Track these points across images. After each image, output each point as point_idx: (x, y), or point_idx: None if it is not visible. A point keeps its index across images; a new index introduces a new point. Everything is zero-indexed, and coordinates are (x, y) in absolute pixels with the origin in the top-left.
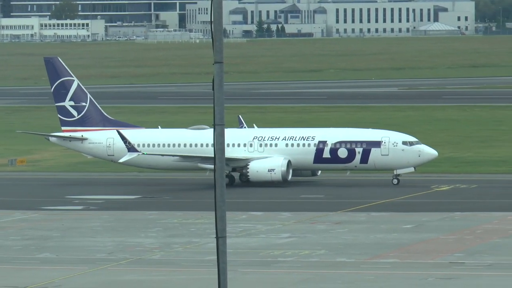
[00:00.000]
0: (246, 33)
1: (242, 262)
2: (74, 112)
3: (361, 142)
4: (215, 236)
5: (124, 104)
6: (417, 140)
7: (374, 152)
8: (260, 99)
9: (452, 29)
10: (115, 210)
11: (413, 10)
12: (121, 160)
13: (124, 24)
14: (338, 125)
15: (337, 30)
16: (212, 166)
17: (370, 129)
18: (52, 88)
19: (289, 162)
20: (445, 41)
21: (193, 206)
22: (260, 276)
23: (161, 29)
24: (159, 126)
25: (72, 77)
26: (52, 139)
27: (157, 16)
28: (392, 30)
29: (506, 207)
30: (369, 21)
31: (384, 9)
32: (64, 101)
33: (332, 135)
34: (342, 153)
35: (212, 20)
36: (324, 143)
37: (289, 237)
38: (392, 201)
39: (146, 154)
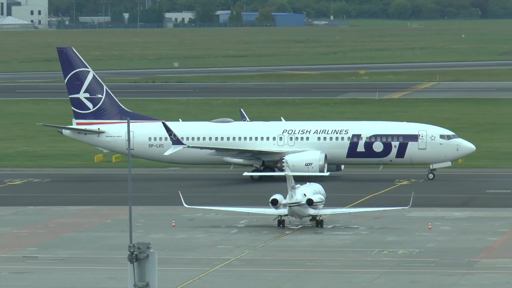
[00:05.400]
0: None
1: None
2: (89, 104)
3: (398, 136)
4: None
5: None
6: (454, 134)
7: (411, 146)
8: None
9: (26, 23)
10: None
11: None
12: (166, 153)
13: None
14: None
15: None
16: (238, 160)
17: (405, 122)
18: (66, 80)
19: (325, 156)
20: (18, 35)
21: None
22: None
23: None
24: (180, 119)
25: (87, 68)
26: (65, 132)
27: None
28: None
29: (80, 201)
30: None
31: None
32: (78, 93)
33: (366, 128)
34: (378, 147)
35: None
36: (358, 136)
37: None
38: None
39: (191, 147)
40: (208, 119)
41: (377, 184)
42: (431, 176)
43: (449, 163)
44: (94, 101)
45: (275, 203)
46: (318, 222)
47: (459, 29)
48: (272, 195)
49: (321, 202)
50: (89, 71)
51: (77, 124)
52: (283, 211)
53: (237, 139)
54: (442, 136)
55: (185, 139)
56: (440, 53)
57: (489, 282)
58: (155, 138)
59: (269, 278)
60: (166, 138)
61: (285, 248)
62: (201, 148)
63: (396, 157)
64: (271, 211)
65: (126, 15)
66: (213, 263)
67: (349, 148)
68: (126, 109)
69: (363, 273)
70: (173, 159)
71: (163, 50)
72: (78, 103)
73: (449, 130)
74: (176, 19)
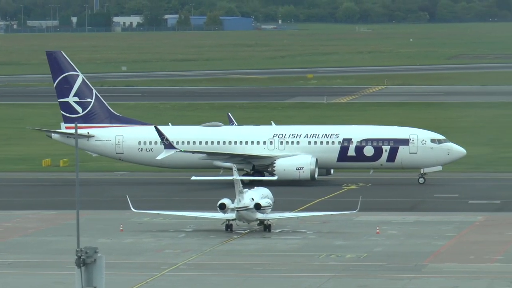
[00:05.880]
0: None
1: None
2: (79, 108)
3: (388, 140)
4: None
5: None
6: (445, 138)
7: (402, 150)
8: None
9: None
10: None
11: None
12: (158, 157)
13: None
14: None
15: None
16: (228, 164)
17: (395, 127)
18: (55, 83)
19: (316, 160)
20: None
21: None
22: None
23: None
24: (169, 123)
25: (77, 71)
26: (54, 136)
27: None
28: None
29: (26, 205)
30: None
31: None
32: (67, 96)
33: (357, 132)
34: (368, 151)
35: None
36: (349, 140)
37: None
38: None
39: (184, 151)
40: (156, 123)
41: (325, 189)
42: (421, 180)
43: (440, 168)
44: (83, 105)
45: (223, 207)
46: (266, 227)
47: (407, 33)
48: (220, 200)
49: (269, 206)
50: (78, 75)
51: (66, 128)
52: (231, 215)
53: (227, 143)
54: (433, 140)
55: (175, 143)
56: (388, 57)
57: (436, 286)
58: (144, 142)
59: (217, 283)
60: (156, 142)
61: (233, 252)
62: (193, 152)
63: (387, 161)
64: (219, 215)
65: (74, 19)
66: (161, 267)
67: (340, 153)
68: (116, 113)
69: (311, 277)
70: (163, 163)
71: (111, 54)
72: (67, 107)
73: (440, 134)
74: (124, 23)
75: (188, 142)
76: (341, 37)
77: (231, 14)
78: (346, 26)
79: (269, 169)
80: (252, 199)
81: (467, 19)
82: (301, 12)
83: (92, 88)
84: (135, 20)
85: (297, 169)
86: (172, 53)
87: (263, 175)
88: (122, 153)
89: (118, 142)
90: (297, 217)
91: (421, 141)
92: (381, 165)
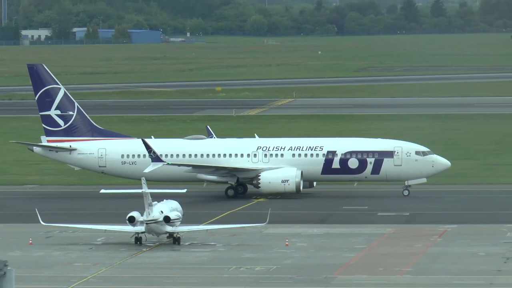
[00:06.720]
0: None
1: None
2: (61, 122)
3: (373, 152)
4: None
5: None
6: (429, 150)
7: (387, 162)
8: None
9: None
10: None
11: None
12: (145, 170)
13: None
14: None
15: None
16: (212, 177)
17: (380, 139)
18: (37, 97)
19: (301, 173)
20: None
21: None
22: None
23: None
24: (152, 136)
25: (58, 85)
26: (36, 149)
27: None
28: None
29: None
30: None
31: None
32: (49, 110)
33: (341, 144)
34: (353, 163)
35: None
36: (333, 153)
37: None
38: None
39: (171, 164)
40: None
41: (235, 201)
42: (406, 192)
43: (424, 180)
44: (65, 118)
45: (132, 220)
46: (175, 239)
47: (316, 46)
48: (129, 212)
49: (178, 219)
50: (60, 88)
51: (48, 141)
52: (140, 228)
53: (211, 156)
54: (417, 153)
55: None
56: (296, 70)
57: None
58: (128, 156)
59: None
60: (139, 156)
61: (143, 265)
62: (179, 165)
63: (371, 173)
64: (128, 228)
65: None
66: (70, 280)
67: (324, 165)
68: (98, 126)
69: None
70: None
71: (20, 68)
72: (49, 120)
73: (424, 146)
74: (32, 36)
75: (172, 155)
76: (250, 49)
77: (139, 27)
78: (255, 39)
79: (254, 182)
80: (161, 212)
81: (375, 31)
82: (209, 25)
83: (74, 101)
84: (43, 33)
85: (282, 181)
86: (81, 66)
87: (246, 188)
88: (105, 167)
89: (101, 155)
90: (207, 230)
91: (405, 153)
92: (366, 177)
